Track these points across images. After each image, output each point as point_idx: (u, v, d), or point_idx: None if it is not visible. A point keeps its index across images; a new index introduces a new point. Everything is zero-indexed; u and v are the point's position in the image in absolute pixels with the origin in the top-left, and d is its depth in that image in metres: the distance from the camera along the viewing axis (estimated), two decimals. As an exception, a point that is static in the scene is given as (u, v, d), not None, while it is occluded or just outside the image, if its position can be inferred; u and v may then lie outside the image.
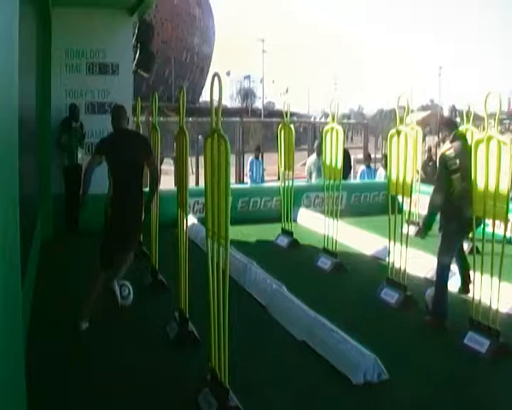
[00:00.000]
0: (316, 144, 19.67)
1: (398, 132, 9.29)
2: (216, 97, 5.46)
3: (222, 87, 5.41)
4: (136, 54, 16.62)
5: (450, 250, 8.75)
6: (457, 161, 8.37)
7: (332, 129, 11.45)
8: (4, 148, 3.56)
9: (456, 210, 8.38)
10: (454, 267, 10.21)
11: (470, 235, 8.81)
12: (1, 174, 3.38)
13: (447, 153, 8.56)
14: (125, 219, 8.43)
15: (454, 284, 9.88)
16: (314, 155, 19.05)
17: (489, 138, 7.36)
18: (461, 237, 9.03)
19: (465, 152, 8.26)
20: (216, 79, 5.39)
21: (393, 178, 9.49)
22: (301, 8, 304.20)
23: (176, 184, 8.14)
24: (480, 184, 7.53)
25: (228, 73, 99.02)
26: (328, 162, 11.67)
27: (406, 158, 9.18)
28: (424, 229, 8.95)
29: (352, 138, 42.85)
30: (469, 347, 7.48)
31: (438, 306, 8.43)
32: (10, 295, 3.68)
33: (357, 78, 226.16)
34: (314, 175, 18.54)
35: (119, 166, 8.56)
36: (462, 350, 7.47)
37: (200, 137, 23.14)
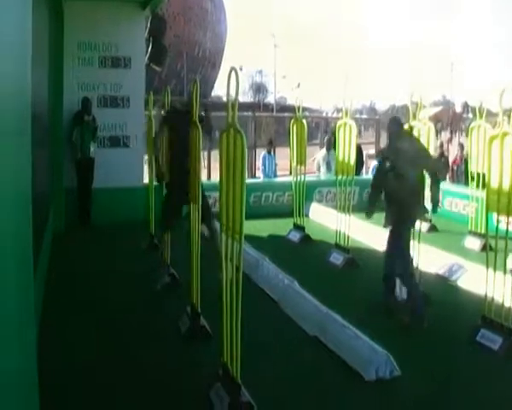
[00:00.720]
0: (325, 139, 19.65)
1: (411, 128, 9.26)
2: (232, 92, 5.45)
3: (238, 82, 5.39)
4: (148, 47, 16.63)
5: (407, 246, 8.80)
6: (389, 161, 8.46)
7: (345, 124, 11.42)
8: (17, 141, 3.56)
9: (391, 207, 8.83)
10: (465, 263, 10.22)
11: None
12: (14, 168, 3.38)
13: (383, 152, 8.68)
14: None
15: (465, 281, 9.87)
16: (323, 150, 19.03)
17: (504, 134, 7.33)
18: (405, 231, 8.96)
19: (399, 152, 8.32)
20: (233, 73, 5.38)
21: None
22: (313, 3, 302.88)
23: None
24: (494, 181, 7.50)
25: (240, 68, 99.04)
26: (340, 157, 11.63)
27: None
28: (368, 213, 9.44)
29: (360, 133, 42.76)
30: (482, 344, 7.46)
31: (416, 302, 8.44)
32: (23, 287, 3.69)
33: (369, 73, 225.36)
34: (323, 170, 18.52)
35: None
36: (474, 347, 7.44)
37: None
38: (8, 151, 3.08)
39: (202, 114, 10.68)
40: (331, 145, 18.90)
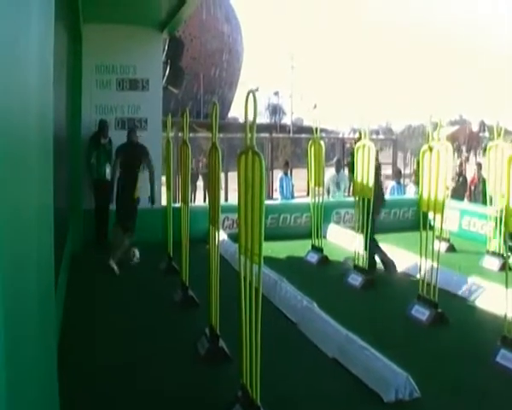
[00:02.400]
0: (335, 160, 19.63)
1: (430, 149, 9.26)
2: (250, 114, 5.47)
3: (256, 104, 5.41)
4: (165, 70, 16.72)
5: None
6: None
7: (364, 146, 11.42)
8: (41, 162, 3.60)
9: None
10: (483, 283, 10.20)
11: None
12: (38, 189, 3.41)
13: None
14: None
15: (484, 301, 9.84)
16: (332, 171, 18.98)
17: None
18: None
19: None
20: (250, 95, 5.40)
21: (425, 194, 9.45)
22: (329, 24, 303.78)
23: (205, 200, 8.16)
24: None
25: (257, 89, 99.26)
26: (359, 179, 11.63)
27: (438, 175, 9.14)
28: None
29: (377, 154, 42.75)
30: (502, 365, 7.40)
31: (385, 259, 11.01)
32: (44, 305, 3.72)
33: (386, 93, 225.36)
34: (332, 191, 18.47)
35: None
36: (494, 368, 7.38)
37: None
38: (31, 169, 3.12)
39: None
40: (341, 166, 18.92)
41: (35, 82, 3.35)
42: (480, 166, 20.50)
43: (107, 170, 14.39)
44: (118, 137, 14.88)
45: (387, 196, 20.40)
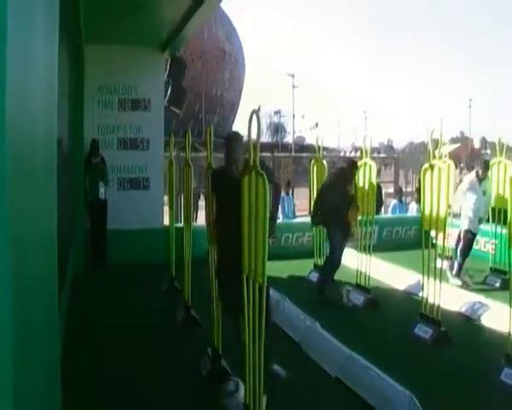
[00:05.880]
0: None
1: (432, 167, 9.26)
2: (254, 134, 5.48)
3: (260, 124, 5.42)
4: (167, 90, 16.77)
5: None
6: None
7: (365, 164, 11.44)
8: (46, 181, 3.62)
9: None
10: (487, 301, 10.19)
11: None
12: (43, 207, 3.43)
13: None
14: None
15: (487, 319, 9.83)
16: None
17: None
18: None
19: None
20: (254, 116, 5.41)
21: (427, 213, 9.45)
22: (330, 44, 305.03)
23: (206, 221, 8.12)
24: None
25: (258, 108, 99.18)
26: (360, 197, 11.64)
27: (440, 193, 9.15)
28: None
29: (379, 172, 42.81)
30: (506, 383, 7.39)
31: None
32: (49, 326, 3.72)
33: (386, 111, 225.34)
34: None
35: None
36: (498, 387, 7.35)
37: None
38: (38, 187, 3.14)
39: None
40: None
41: (41, 103, 3.38)
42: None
43: (101, 190, 14.40)
44: (121, 157, 14.97)
45: (389, 215, 20.47)
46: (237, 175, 6.54)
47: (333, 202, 11.33)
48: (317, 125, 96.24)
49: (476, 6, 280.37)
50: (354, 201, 11.56)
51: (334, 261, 11.63)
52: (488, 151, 72.25)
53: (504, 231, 10.71)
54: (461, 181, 21.42)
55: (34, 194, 3.01)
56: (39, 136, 3.27)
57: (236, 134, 7.77)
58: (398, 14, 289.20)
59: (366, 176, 11.43)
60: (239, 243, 6.05)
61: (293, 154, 64.55)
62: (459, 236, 13.13)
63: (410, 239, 17.69)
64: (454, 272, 12.81)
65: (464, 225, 13.18)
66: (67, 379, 4.81)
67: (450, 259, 14.05)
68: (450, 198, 10.87)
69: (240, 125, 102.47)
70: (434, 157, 9.31)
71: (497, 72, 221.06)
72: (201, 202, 20.40)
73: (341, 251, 11.65)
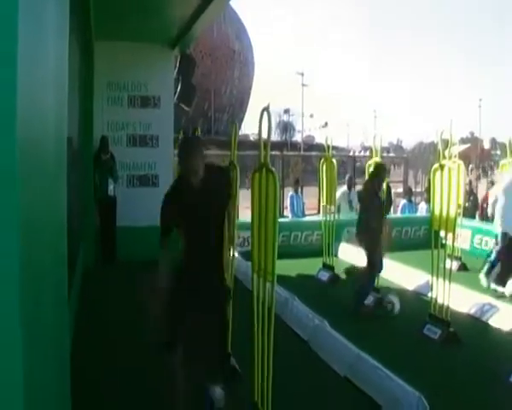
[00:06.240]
0: (347, 177, 19.68)
1: (442, 167, 9.23)
2: (264, 132, 5.46)
3: (271, 122, 5.40)
4: (177, 87, 16.76)
5: None
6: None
7: (374, 163, 11.43)
8: (55, 177, 3.62)
9: None
10: (496, 303, 10.15)
11: None
12: (53, 202, 3.43)
13: None
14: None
15: (496, 321, 9.80)
16: (343, 188, 18.98)
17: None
18: None
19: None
20: (265, 113, 5.40)
21: (437, 213, 9.41)
22: (341, 42, 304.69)
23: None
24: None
25: (268, 107, 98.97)
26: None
27: (450, 193, 9.11)
28: None
29: (389, 172, 42.75)
30: (516, 385, 7.37)
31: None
32: (58, 324, 3.72)
33: (395, 111, 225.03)
34: (343, 208, 18.43)
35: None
36: (508, 388, 7.32)
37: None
38: (46, 189, 3.13)
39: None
40: (352, 184, 18.97)
41: (52, 99, 3.38)
42: (493, 183, 20.47)
43: (110, 186, 14.40)
44: (130, 154, 14.97)
45: (398, 215, 20.43)
46: (199, 183, 5.64)
47: (364, 216, 11.03)
48: (326, 124, 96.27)
49: (476, 6, 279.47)
50: (385, 207, 11.27)
51: (371, 274, 11.14)
52: (498, 152, 72.10)
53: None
54: (470, 181, 21.43)
55: (44, 190, 3.02)
56: (49, 132, 3.28)
57: (195, 139, 7.57)
58: (398, 14, 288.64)
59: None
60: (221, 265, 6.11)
61: (302, 152, 64.46)
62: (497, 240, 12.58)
63: (420, 239, 17.69)
64: (495, 277, 12.20)
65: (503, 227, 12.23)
66: (77, 375, 4.81)
67: (460, 260, 14.02)
68: (460, 198, 10.82)
69: (249, 124, 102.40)
70: (444, 157, 9.29)
71: (499, 72, 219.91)
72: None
73: (376, 261, 10.95)
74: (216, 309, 6.09)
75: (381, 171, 10.86)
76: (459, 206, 11.06)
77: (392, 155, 62.16)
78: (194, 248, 5.87)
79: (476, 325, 9.96)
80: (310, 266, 14.12)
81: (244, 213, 15.78)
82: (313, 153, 42.61)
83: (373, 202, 10.73)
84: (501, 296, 11.18)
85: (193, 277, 5.85)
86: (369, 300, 11.17)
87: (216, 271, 6.03)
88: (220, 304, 6.18)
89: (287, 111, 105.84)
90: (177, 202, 5.91)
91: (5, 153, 1.98)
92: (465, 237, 16.11)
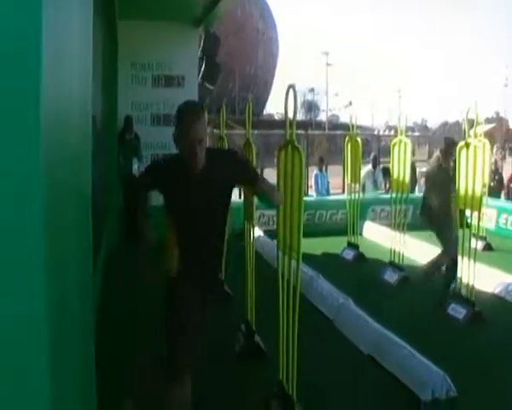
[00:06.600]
0: (371, 156, 19.67)
1: (467, 145, 9.18)
2: (290, 109, 5.45)
3: (296, 99, 5.38)
4: (201, 66, 16.75)
5: None
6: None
7: (400, 142, 11.38)
8: (79, 157, 3.63)
9: None
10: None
11: None
12: (76, 183, 3.45)
13: None
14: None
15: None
16: (368, 167, 18.97)
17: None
18: None
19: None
20: (291, 91, 5.38)
21: (462, 192, 9.36)
22: (365, 22, 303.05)
23: (240, 197, 8.14)
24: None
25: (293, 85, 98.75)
26: (395, 175, 11.59)
27: (475, 171, 9.06)
28: None
29: (413, 151, 42.52)
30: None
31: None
32: (83, 303, 3.74)
33: (420, 90, 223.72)
34: (367, 187, 18.41)
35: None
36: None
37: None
38: (70, 169, 3.14)
39: None
40: (377, 163, 18.94)
41: (77, 76, 3.39)
42: (518, 163, 20.40)
43: (135, 166, 14.43)
44: (154, 134, 15.00)
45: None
46: (203, 171, 4.69)
47: (433, 200, 10.34)
48: (350, 103, 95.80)
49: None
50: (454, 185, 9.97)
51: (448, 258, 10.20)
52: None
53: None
54: (495, 161, 21.30)
55: (68, 169, 3.02)
56: (74, 110, 3.29)
57: (199, 105, 5.31)
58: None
59: (401, 154, 11.36)
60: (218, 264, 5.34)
61: (326, 131, 64.27)
62: None
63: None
64: None
65: None
66: (101, 354, 4.84)
67: (485, 239, 13.96)
68: (485, 177, 10.74)
69: (273, 104, 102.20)
70: (469, 136, 9.23)
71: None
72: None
73: (451, 247, 10.05)
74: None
75: (451, 146, 10.20)
76: (484, 185, 10.99)
77: (417, 134, 61.79)
78: (185, 243, 5.00)
79: (501, 305, 9.92)
80: (334, 245, 14.12)
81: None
82: (338, 132, 42.46)
83: (446, 180, 10.21)
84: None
85: (185, 273, 5.01)
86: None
87: (211, 269, 5.21)
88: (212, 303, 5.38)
89: (311, 90, 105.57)
90: (160, 178, 5.13)
91: (30, 129, 1.97)
92: (490, 216, 16.01)
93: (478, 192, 9.08)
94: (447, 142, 10.32)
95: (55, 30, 2.47)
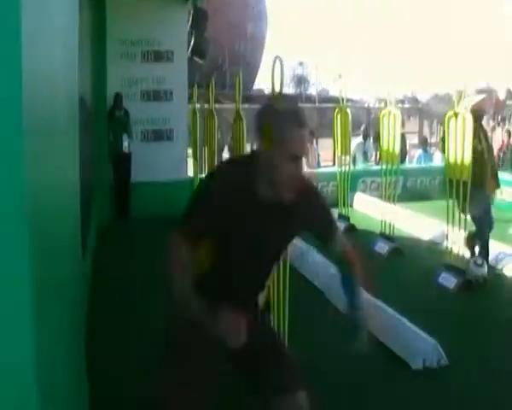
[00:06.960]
0: (362, 128, 19.71)
1: (456, 114, 9.18)
2: (277, 80, 5.45)
3: (283, 70, 5.37)
4: (190, 40, 16.70)
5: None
6: None
7: (389, 113, 11.38)
8: (67, 134, 3.62)
9: None
10: (510, 251, 10.15)
11: None
12: (64, 161, 3.44)
13: None
14: None
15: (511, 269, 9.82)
16: (358, 139, 19.01)
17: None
18: None
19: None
20: (277, 62, 5.38)
21: (451, 161, 9.37)
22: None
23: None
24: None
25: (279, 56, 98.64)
26: (385, 147, 11.60)
27: (463, 141, 9.06)
28: None
29: (403, 123, 42.50)
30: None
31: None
32: (73, 283, 3.75)
33: (411, 62, 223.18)
34: (358, 159, 18.46)
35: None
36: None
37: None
38: (57, 149, 3.13)
39: None
40: (368, 134, 18.97)
41: (61, 52, 3.36)
42: (509, 133, 20.38)
43: (125, 143, 14.43)
44: (144, 109, 14.98)
45: (414, 164, 20.41)
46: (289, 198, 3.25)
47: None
48: (340, 76, 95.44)
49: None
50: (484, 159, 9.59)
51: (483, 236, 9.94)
52: (512, 102, 71.41)
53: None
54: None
55: (54, 148, 2.99)
56: (59, 87, 3.26)
57: (298, 107, 3.42)
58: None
59: (390, 125, 11.36)
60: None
61: (316, 104, 64.09)
62: None
63: (435, 188, 17.62)
64: None
65: None
66: (92, 333, 4.86)
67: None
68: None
69: (263, 79, 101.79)
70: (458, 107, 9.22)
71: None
72: (225, 154, 20.48)
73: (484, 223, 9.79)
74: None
75: (478, 114, 9.71)
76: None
77: (407, 105, 61.73)
78: (226, 277, 3.55)
79: (491, 274, 9.95)
80: (325, 217, 14.08)
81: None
82: (328, 104, 42.35)
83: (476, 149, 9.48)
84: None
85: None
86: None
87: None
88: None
89: (301, 64, 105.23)
90: (229, 203, 3.27)
91: (9, 107, 1.90)
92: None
93: (466, 161, 9.08)
94: (474, 110, 9.98)
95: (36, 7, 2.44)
